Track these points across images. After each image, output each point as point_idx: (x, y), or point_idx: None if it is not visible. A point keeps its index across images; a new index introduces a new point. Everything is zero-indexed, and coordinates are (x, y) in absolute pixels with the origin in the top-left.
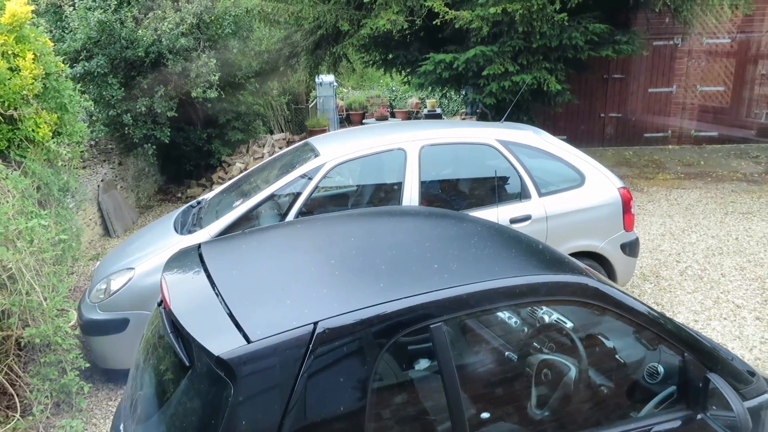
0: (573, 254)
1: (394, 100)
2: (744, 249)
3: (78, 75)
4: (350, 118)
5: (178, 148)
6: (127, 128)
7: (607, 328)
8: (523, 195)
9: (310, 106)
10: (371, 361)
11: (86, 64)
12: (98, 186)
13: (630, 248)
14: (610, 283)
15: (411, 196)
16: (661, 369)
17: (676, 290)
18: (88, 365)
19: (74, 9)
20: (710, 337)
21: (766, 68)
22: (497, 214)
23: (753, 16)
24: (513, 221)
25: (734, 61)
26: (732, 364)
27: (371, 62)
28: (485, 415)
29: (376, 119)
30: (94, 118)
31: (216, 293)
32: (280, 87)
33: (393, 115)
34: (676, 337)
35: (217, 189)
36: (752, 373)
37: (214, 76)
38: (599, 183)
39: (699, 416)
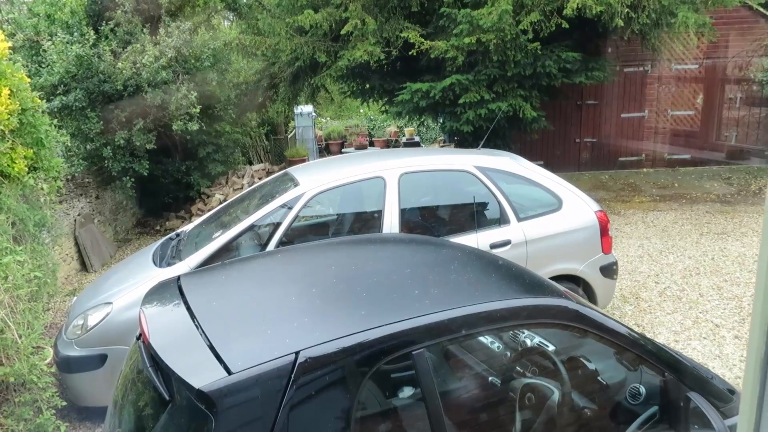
0: (553, 278)
1: (372, 129)
2: (720, 269)
3: (55, 109)
4: (329, 147)
5: (156, 180)
6: (106, 161)
7: (589, 350)
8: (502, 220)
9: (289, 136)
10: (354, 389)
11: (64, 98)
12: (75, 220)
13: (609, 270)
14: (590, 306)
15: (391, 224)
16: (643, 390)
17: (656, 311)
18: (64, 403)
19: (52, 44)
20: (691, 357)
21: (733, 92)
22: (477, 239)
23: (718, 42)
24: (493, 246)
25: (702, 86)
26: (712, 383)
27: (349, 92)
28: None
29: (355, 148)
30: (71, 153)
31: (196, 325)
32: (259, 118)
33: (372, 144)
34: (657, 358)
35: (197, 221)
36: (732, 392)
37: (195, 108)
38: (577, 207)
39: None
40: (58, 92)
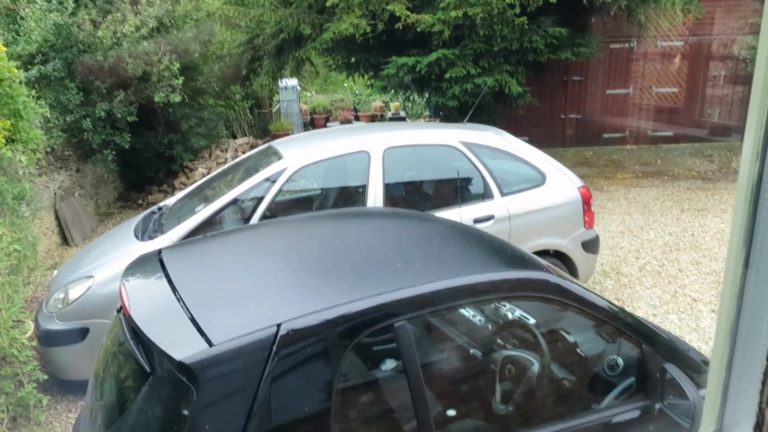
0: (535, 252)
1: (358, 103)
2: (699, 244)
3: (33, 79)
4: (314, 121)
5: (138, 154)
6: (86, 134)
7: (569, 323)
8: (486, 195)
9: (273, 110)
10: (336, 361)
11: (42, 68)
12: (55, 194)
13: (590, 245)
14: (571, 280)
15: (375, 198)
16: (620, 361)
17: (635, 286)
18: (46, 377)
19: (30, 11)
20: (668, 330)
21: (718, 70)
22: (461, 214)
23: (704, 19)
24: (476, 221)
25: (687, 63)
26: (688, 354)
27: (334, 66)
28: (451, 412)
29: (340, 123)
30: (50, 124)
31: (177, 298)
32: (243, 91)
33: (357, 119)
34: (635, 330)
35: (179, 194)
36: (707, 363)
37: (177, 80)
38: (560, 182)
39: (657, 406)
40: (35, 62)
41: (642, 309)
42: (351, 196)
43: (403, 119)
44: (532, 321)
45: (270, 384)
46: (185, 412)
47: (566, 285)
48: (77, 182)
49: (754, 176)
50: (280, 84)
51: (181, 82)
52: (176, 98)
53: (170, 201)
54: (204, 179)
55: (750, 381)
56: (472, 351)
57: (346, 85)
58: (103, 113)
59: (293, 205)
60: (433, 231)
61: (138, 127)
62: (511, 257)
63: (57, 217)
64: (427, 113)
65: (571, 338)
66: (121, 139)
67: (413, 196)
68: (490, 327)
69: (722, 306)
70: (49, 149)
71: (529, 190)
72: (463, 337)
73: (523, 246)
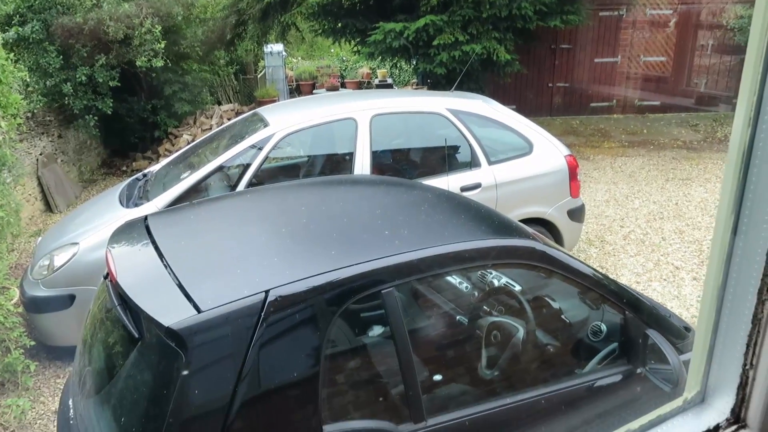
0: (522, 221)
1: (344, 70)
2: (683, 213)
3: (11, 41)
4: (300, 88)
5: (121, 119)
6: (66, 98)
7: (554, 290)
8: (473, 163)
9: (258, 76)
10: (324, 327)
11: (20, 29)
12: (37, 160)
13: (576, 214)
14: (557, 247)
15: (362, 166)
16: (604, 327)
17: (619, 254)
18: (33, 343)
19: None
20: (650, 297)
21: (706, 39)
22: (448, 182)
23: None
24: (463, 189)
25: (676, 32)
26: (669, 320)
27: (320, 31)
28: (437, 377)
29: (327, 89)
30: (30, 89)
31: (164, 264)
32: (228, 56)
33: (344, 86)
34: (618, 297)
35: (164, 161)
36: (688, 329)
37: (160, 44)
38: (547, 151)
39: (639, 370)
40: (13, 23)
41: (625, 276)
42: (338, 164)
43: (390, 87)
44: (517, 288)
45: (258, 350)
46: (174, 378)
47: (552, 252)
48: (59, 148)
49: (745, 143)
50: (265, 49)
51: (163, 46)
52: (159, 63)
53: (155, 168)
54: (189, 146)
55: (735, 344)
56: (458, 317)
57: (333, 51)
58: (84, 78)
59: (280, 173)
60: (420, 198)
61: (120, 92)
62: (498, 225)
63: (40, 184)
64: (414, 81)
65: (555, 305)
66: (103, 104)
67: (400, 164)
68: (476, 294)
69: (709, 271)
70: (29, 114)
71: (516, 159)
72: (450, 304)
73: (509, 214)
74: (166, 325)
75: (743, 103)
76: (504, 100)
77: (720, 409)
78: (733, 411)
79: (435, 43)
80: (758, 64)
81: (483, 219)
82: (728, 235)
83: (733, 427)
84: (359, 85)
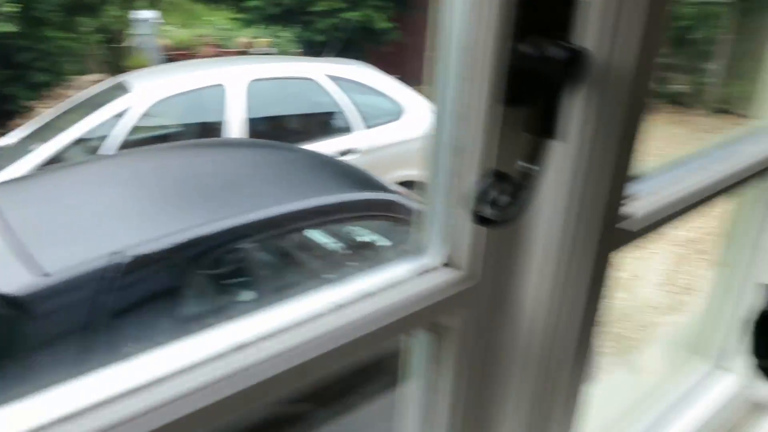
0: (398, 184)
1: (223, 39)
2: None
3: None
4: (176, 57)
5: None
6: None
7: None
8: (349, 128)
9: (130, 45)
10: (182, 287)
11: None
12: None
13: None
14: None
15: (236, 133)
16: None
17: None
18: None
19: None
20: None
21: None
22: (324, 147)
23: None
24: (340, 154)
25: None
26: None
27: None
28: None
29: (204, 58)
30: None
31: (6, 227)
32: (95, 24)
33: (222, 55)
34: None
35: (17, 133)
36: None
37: (11, 6)
38: (420, 116)
39: None
40: None
41: None
42: (210, 132)
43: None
44: (387, 243)
45: (112, 313)
46: (20, 346)
47: (414, 206)
48: None
49: None
50: (135, 16)
51: (17, 10)
52: (6, 27)
53: (6, 141)
54: (46, 118)
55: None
56: (324, 275)
57: (211, 19)
58: None
59: (147, 143)
60: (285, 158)
61: None
62: (362, 180)
63: None
64: (295, 50)
65: None
66: None
67: (277, 130)
68: (343, 251)
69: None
70: None
71: (390, 123)
72: (316, 261)
73: (384, 177)
74: (5, 293)
75: None
76: (387, 69)
77: (434, 255)
78: (444, 257)
79: (315, 9)
80: None
81: (347, 175)
82: None
83: (443, 268)
84: (239, 55)
